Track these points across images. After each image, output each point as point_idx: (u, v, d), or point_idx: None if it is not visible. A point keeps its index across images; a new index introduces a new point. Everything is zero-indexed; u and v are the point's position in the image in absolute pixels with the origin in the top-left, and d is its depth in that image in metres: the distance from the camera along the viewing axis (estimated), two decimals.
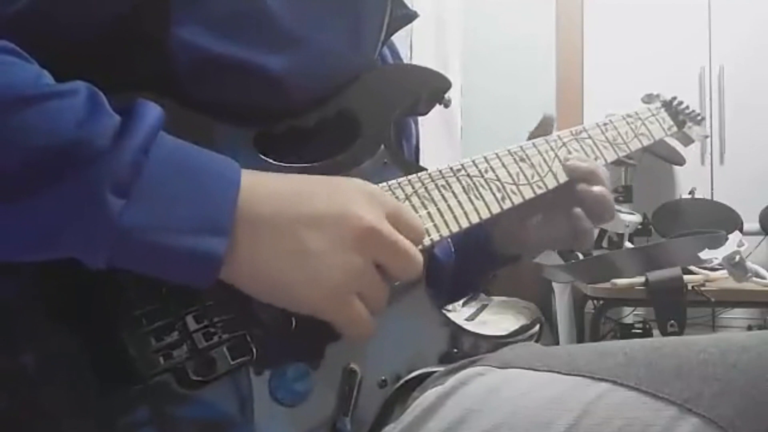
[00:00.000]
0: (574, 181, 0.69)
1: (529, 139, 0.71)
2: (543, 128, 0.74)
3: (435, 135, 2.43)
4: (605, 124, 0.78)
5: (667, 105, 0.91)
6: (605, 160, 0.75)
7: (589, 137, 0.75)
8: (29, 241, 0.39)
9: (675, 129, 0.90)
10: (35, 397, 0.41)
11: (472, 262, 0.78)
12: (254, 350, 0.47)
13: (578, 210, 0.69)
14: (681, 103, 0.94)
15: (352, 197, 0.48)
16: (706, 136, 1.29)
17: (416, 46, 2.40)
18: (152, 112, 0.42)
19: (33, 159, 0.37)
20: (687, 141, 0.96)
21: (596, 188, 0.68)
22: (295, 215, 0.46)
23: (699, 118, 0.97)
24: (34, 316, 0.42)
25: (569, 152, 0.72)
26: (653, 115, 0.87)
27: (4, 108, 0.38)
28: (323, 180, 0.51)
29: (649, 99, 0.93)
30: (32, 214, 0.38)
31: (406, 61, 0.78)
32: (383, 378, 0.54)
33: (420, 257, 0.50)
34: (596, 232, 2.17)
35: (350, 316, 0.48)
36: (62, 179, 0.38)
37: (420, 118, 0.75)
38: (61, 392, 0.41)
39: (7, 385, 0.40)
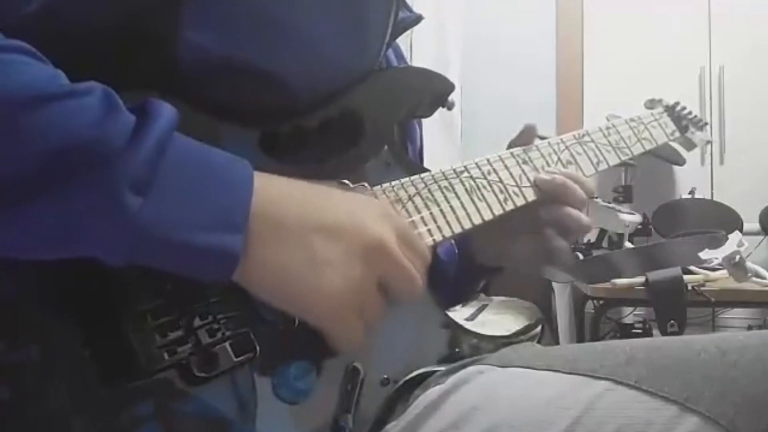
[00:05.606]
0: (543, 199, 0.66)
1: (509, 148, 0.68)
2: (524, 138, 0.71)
3: (435, 135, 2.43)
4: (608, 128, 0.78)
5: (670, 110, 0.91)
6: (608, 163, 0.75)
7: (592, 140, 0.75)
8: (49, 240, 0.39)
9: (678, 134, 0.90)
10: (39, 390, 0.41)
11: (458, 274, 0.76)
12: (257, 347, 0.48)
13: (549, 231, 0.66)
14: (684, 108, 0.94)
15: (365, 211, 0.49)
16: (709, 142, 1.29)
17: (416, 46, 2.40)
18: (166, 111, 0.42)
19: (51, 158, 0.37)
20: (689, 146, 0.96)
21: (564, 209, 0.65)
22: (308, 222, 0.46)
23: (701, 123, 0.97)
24: (39, 311, 0.42)
25: (572, 155, 0.72)
26: (656, 119, 0.87)
27: (22, 107, 0.38)
28: (337, 191, 0.51)
29: (651, 104, 0.93)
30: (51, 213, 0.38)
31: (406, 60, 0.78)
32: (385, 376, 0.54)
33: (420, 282, 0.50)
34: (596, 233, 2.19)
35: (348, 327, 0.48)
36: (80, 178, 0.38)
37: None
38: (65, 386, 0.41)
39: (11, 378, 0.40)
